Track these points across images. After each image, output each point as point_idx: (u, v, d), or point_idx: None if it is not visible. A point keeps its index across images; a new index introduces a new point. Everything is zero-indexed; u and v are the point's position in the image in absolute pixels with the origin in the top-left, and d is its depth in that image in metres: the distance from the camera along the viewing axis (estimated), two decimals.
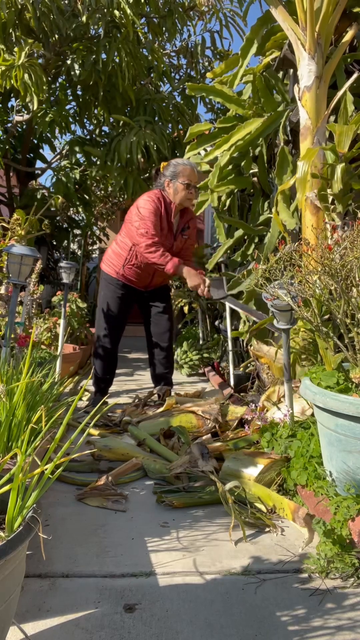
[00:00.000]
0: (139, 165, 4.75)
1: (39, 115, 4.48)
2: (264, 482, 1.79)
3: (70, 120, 4.84)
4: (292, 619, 1.15)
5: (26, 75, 3.76)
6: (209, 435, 2.31)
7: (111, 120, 4.92)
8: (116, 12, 4.07)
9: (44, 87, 3.90)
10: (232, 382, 3.52)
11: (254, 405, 2.23)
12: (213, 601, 1.21)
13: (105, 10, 4.00)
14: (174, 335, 3.11)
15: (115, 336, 3.01)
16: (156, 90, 5.26)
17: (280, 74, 3.17)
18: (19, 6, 3.86)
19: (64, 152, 5.31)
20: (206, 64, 5.66)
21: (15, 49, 3.77)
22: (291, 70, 2.99)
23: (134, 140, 4.29)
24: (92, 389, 3.61)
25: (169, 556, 1.41)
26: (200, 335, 4.90)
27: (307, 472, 1.68)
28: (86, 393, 3.38)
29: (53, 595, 1.21)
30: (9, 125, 4.90)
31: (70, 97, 5.11)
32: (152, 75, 5.09)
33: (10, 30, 4.01)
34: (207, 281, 2.73)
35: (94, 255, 8.14)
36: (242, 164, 3.23)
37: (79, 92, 5.02)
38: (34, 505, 0.93)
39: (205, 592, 1.25)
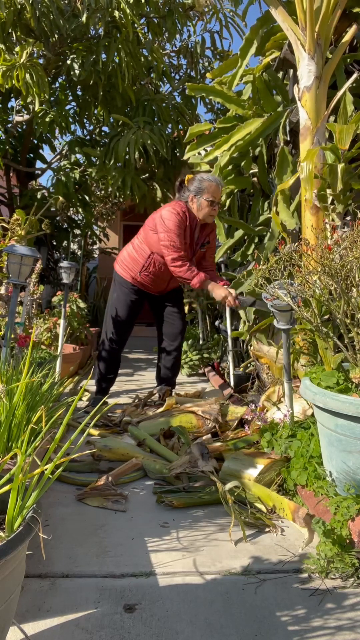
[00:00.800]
0: (136, 165, 4.75)
1: (39, 115, 4.49)
2: (264, 482, 1.79)
3: (70, 120, 4.85)
4: (292, 619, 1.15)
5: (27, 75, 3.77)
6: (209, 435, 2.31)
7: (111, 120, 4.93)
8: (116, 13, 4.08)
9: (46, 88, 3.90)
10: (232, 382, 3.52)
11: (254, 405, 2.23)
12: (213, 601, 1.21)
13: (106, 10, 4.00)
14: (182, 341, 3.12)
15: (123, 339, 3.03)
16: (156, 91, 5.26)
17: (280, 74, 3.17)
18: (18, 6, 3.86)
19: (63, 152, 5.31)
20: (206, 64, 5.67)
21: (17, 49, 3.78)
22: (291, 71, 3.00)
23: (132, 140, 4.30)
24: (92, 389, 3.61)
25: (169, 556, 1.41)
26: (200, 335, 4.90)
27: (307, 472, 1.68)
28: (86, 393, 3.38)
29: (53, 595, 1.21)
30: (9, 125, 4.90)
31: (70, 98, 5.12)
32: (152, 75, 5.09)
33: (10, 30, 4.01)
34: (233, 292, 2.72)
35: (94, 255, 8.14)
36: (242, 164, 3.23)
37: (79, 93, 5.03)
38: (34, 505, 0.93)
39: (205, 592, 1.25)
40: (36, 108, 4.04)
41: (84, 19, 4.04)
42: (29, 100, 3.95)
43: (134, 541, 1.49)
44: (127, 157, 4.40)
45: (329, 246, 1.64)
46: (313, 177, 2.33)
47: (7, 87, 3.81)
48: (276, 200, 2.80)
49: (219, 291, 2.70)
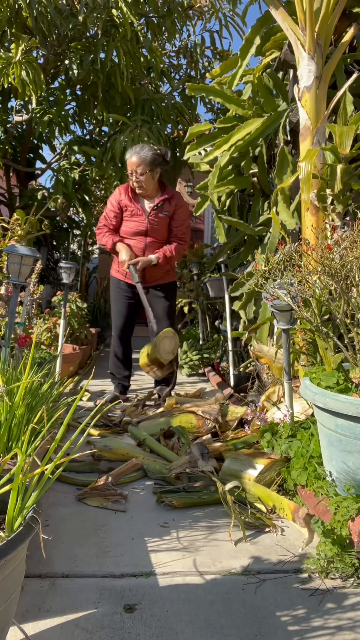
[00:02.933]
0: None
1: (37, 115, 4.49)
2: (264, 482, 1.79)
3: (70, 120, 4.84)
4: (292, 619, 1.15)
5: (24, 73, 3.76)
6: (209, 435, 2.31)
7: (110, 120, 4.92)
8: (114, 11, 4.07)
9: (43, 86, 3.90)
10: (232, 382, 3.52)
11: (254, 405, 2.23)
12: (213, 601, 1.21)
13: (103, 9, 4.00)
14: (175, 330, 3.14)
15: (124, 336, 3.13)
16: (155, 90, 5.26)
17: (280, 74, 3.17)
18: (16, 5, 3.86)
19: (63, 152, 5.31)
20: (206, 64, 5.67)
21: (12, 46, 3.77)
22: (291, 71, 2.99)
23: (129, 139, 4.29)
24: (92, 389, 3.62)
25: (169, 556, 1.41)
26: (200, 335, 4.90)
27: (307, 472, 1.68)
28: (86, 393, 3.38)
29: (53, 595, 1.21)
30: (9, 125, 4.90)
31: (70, 98, 5.11)
32: (152, 75, 5.09)
33: (6, 28, 4.01)
34: (133, 261, 2.86)
35: (94, 256, 8.14)
36: (242, 164, 3.23)
37: (78, 92, 5.02)
38: (34, 505, 0.93)
39: (205, 592, 1.25)
40: (33, 105, 4.04)
41: (80, 18, 4.03)
42: (26, 98, 3.95)
43: (134, 541, 1.49)
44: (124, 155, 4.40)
45: (329, 246, 1.64)
46: (312, 177, 2.33)
47: (4, 85, 3.80)
48: (276, 200, 2.80)
49: (121, 254, 2.90)
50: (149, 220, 2.90)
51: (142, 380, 4.09)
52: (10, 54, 3.77)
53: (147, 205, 2.92)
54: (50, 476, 0.98)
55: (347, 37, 2.54)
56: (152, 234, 2.91)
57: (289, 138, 2.93)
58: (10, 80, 3.75)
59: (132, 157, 2.82)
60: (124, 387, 3.24)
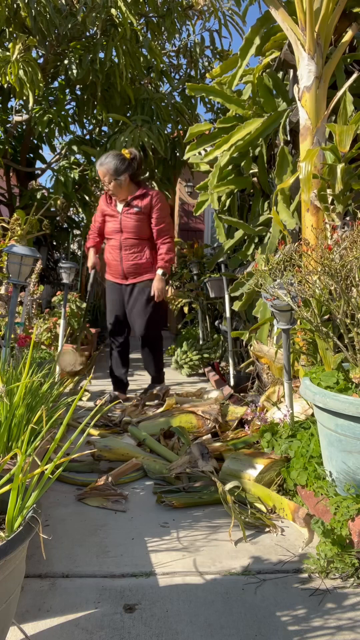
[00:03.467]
0: None
1: (37, 115, 4.48)
2: (263, 482, 1.79)
3: (70, 120, 4.84)
4: (292, 619, 1.15)
5: (21, 72, 3.75)
6: (209, 435, 2.31)
7: (110, 120, 4.92)
8: (113, 11, 4.07)
9: (41, 84, 3.90)
10: (232, 382, 3.52)
11: (254, 405, 2.23)
12: (213, 601, 1.21)
13: (102, 8, 3.99)
14: (157, 329, 3.26)
15: (117, 333, 3.27)
16: (155, 90, 5.25)
17: (280, 74, 3.17)
18: (14, 5, 3.85)
19: (63, 152, 5.31)
20: (206, 63, 5.66)
21: (10, 45, 3.77)
22: (291, 71, 2.99)
23: (129, 139, 4.29)
24: (92, 389, 3.62)
25: (169, 556, 1.41)
26: (200, 335, 4.90)
27: (307, 472, 1.68)
28: (86, 393, 3.38)
29: (53, 595, 1.21)
30: (9, 125, 4.89)
31: (70, 97, 5.11)
32: (151, 74, 5.09)
33: (4, 28, 4.01)
34: (95, 268, 3.34)
35: None
36: (242, 164, 3.23)
37: (78, 92, 5.02)
38: (34, 505, 0.93)
39: (205, 592, 1.25)
40: (30, 103, 4.04)
41: (79, 17, 4.03)
42: (24, 97, 3.95)
43: (134, 541, 1.49)
44: None
45: (329, 246, 1.64)
46: (312, 177, 2.33)
47: (2, 84, 3.80)
48: (276, 200, 2.80)
49: (88, 260, 3.33)
50: (122, 218, 3.10)
51: (142, 380, 4.09)
52: (8, 53, 3.76)
53: (120, 206, 3.14)
54: (50, 476, 0.98)
55: (347, 37, 2.54)
56: (125, 231, 3.10)
57: (289, 138, 2.93)
58: (8, 79, 3.75)
59: (98, 168, 3.05)
60: (123, 384, 3.32)
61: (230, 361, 3.63)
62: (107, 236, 3.20)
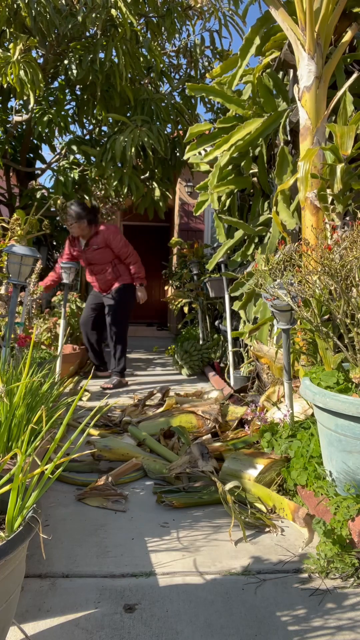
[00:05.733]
0: (133, 164, 4.74)
1: (37, 115, 4.48)
2: (264, 482, 1.79)
3: (70, 120, 4.84)
4: (292, 619, 1.15)
5: (22, 72, 3.75)
6: (209, 435, 2.31)
7: (110, 120, 4.92)
8: (113, 11, 4.07)
9: (41, 85, 3.90)
10: (232, 382, 3.52)
11: (254, 405, 2.23)
12: (213, 601, 1.21)
13: (102, 9, 3.99)
14: (118, 329, 3.93)
15: (84, 331, 4.08)
16: (155, 90, 5.25)
17: (280, 74, 3.17)
18: (14, 5, 3.85)
19: (63, 152, 5.31)
20: (206, 63, 5.66)
21: (10, 45, 3.77)
22: (291, 71, 2.99)
23: (129, 139, 4.29)
24: (92, 389, 3.63)
25: (169, 556, 1.41)
26: (200, 335, 4.90)
27: (307, 472, 1.68)
28: (86, 393, 3.39)
29: (53, 595, 1.21)
30: (9, 125, 4.89)
31: (69, 97, 5.11)
32: (151, 74, 5.09)
33: (5, 28, 4.01)
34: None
35: None
36: (242, 164, 3.23)
37: (78, 92, 5.02)
38: (34, 505, 0.93)
39: (205, 592, 1.25)
40: (31, 103, 4.04)
41: (79, 18, 4.03)
42: (24, 98, 3.95)
43: (134, 541, 1.49)
44: (124, 155, 4.40)
45: (329, 246, 1.64)
46: (310, 177, 2.33)
47: (2, 84, 3.80)
48: (276, 200, 2.80)
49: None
50: (86, 255, 3.92)
51: (142, 380, 4.09)
52: (9, 54, 3.76)
53: (83, 243, 3.94)
54: (50, 476, 0.98)
55: (347, 37, 2.54)
56: (93, 262, 3.93)
57: (289, 138, 2.93)
58: (8, 79, 3.75)
59: (66, 212, 3.83)
60: (97, 368, 4.15)
61: (230, 361, 3.64)
62: (82, 265, 4.06)
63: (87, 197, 5.42)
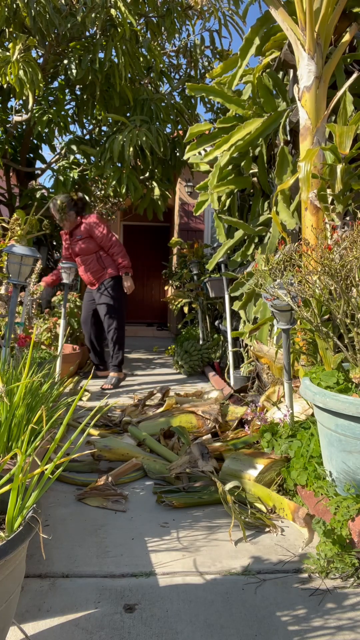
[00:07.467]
0: (132, 164, 4.74)
1: (37, 115, 4.48)
2: (263, 482, 1.79)
3: (69, 120, 4.84)
4: (292, 619, 1.15)
5: (21, 72, 3.75)
6: (209, 435, 2.31)
7: (109, 120, 4.92)
8: (113, 11, 4.07)
9: (40, 85, 3.90)
10: (232, 382, 3.52)
11: (254, 405, 2.23)
12: (213, 601, 1.21)
13: (102, 8, 3.99)
14: (113, 322, 3.93)
15: (85, 330, 4.08)
16: (155, 90, 5.25)
17: (280, 74, 3.17)
18: (14, 5, 3.85)
19: (62, 152, 5.31)
20: (206, 63, 5.66)
21: (10, 45, 3.76)
22: (291, 71, 2.99)
23: (127, 139, 4.29)
24: (92, 389, 3.63)
25: (169, 556, 1.41)
26: (200, 335, 4.90)
27: (307, 472, 1.68)
28: (86, 393, 3.38)
29: (53, 595, 1.21)
30: (9, 125, 4.89)
31: (69, 97, 5.11)
32: (151, 74, 5.09)
33: (4, 28, 4.00)
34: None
35: None
36: (242, 164, 3.23)
37: (78, 92, 5.02)
38: (34, 505, 0.93)
39: (205, 592, 1.25)
40: (30, 103, 4.04)
41: (79, 17, 4.03)
42: (24, 97, 3.95)
43: (134, 541, 1.49)
44: (122, 155, 4.40)
45: (329, 246, 1.64)
46: (311, 177, 2.33)
47: (2, 84, 3.80)
48: (276, 200, 2.80)
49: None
50: (72, 245, 3.97)
51: (142, 380, 4.09)
52: (8, 54, 3.76)
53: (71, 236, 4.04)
54: (50, 476, 0.98)
55: (347, 37, 2.54)
56: (79, 253, 3.94)
57: (289, 138, 2.93)
58: (8, 79, 3.74)
59: (50, 208, 3.86)
60: (97, 367, 4.16)
61: (230, 361, 3.64)
62: (73, 256, 4.06)
63: (87, 197, 5.43)
